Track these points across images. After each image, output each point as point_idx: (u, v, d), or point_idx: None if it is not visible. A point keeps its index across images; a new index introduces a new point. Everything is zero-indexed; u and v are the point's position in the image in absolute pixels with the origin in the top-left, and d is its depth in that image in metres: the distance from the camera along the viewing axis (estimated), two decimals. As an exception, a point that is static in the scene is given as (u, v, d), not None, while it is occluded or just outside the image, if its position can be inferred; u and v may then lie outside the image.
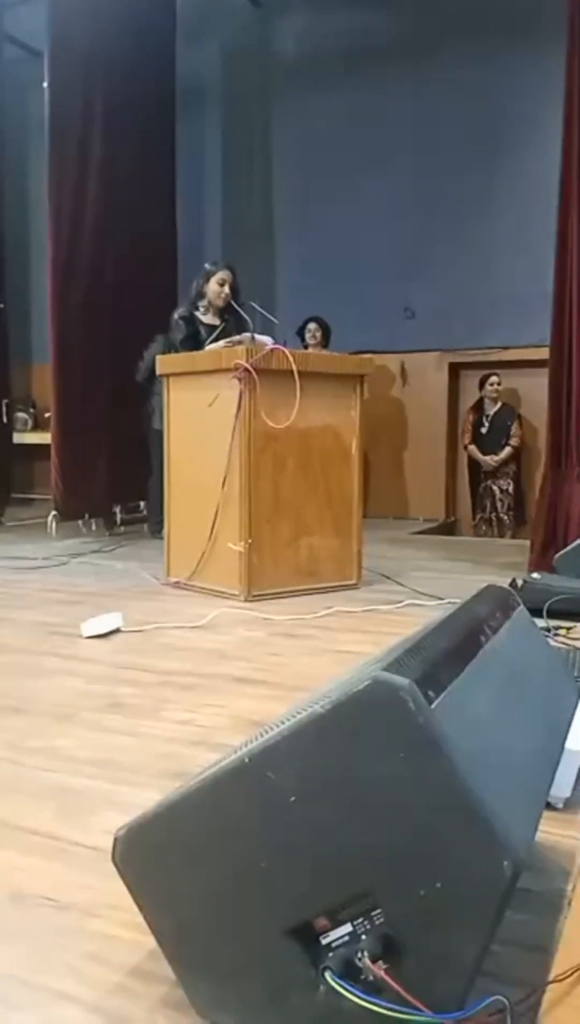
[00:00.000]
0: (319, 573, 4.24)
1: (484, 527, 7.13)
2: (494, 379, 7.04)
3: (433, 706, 0.94)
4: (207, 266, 5.10)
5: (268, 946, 0.99)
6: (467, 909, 0.90)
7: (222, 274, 4.98)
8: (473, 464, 7.30)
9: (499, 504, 7.09)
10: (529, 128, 6.56)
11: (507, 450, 7.05)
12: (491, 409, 7.15)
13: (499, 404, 7.13)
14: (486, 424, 7.16)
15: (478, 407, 7.23)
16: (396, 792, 0.92)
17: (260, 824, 0.98)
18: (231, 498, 4.05)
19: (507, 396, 7.17)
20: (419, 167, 7.24)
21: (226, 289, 4.95)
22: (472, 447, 7.20)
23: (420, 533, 6.91)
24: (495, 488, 7.10)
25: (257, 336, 4.28)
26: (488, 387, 7.08)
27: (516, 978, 1.12)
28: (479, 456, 7.14)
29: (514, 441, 7.04)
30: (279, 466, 4.10)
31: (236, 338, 4.49)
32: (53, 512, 6.18)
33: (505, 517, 7.06)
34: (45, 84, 6.03)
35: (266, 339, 4.19)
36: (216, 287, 4.96)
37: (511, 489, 7.09)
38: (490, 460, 7.08)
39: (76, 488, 6.25)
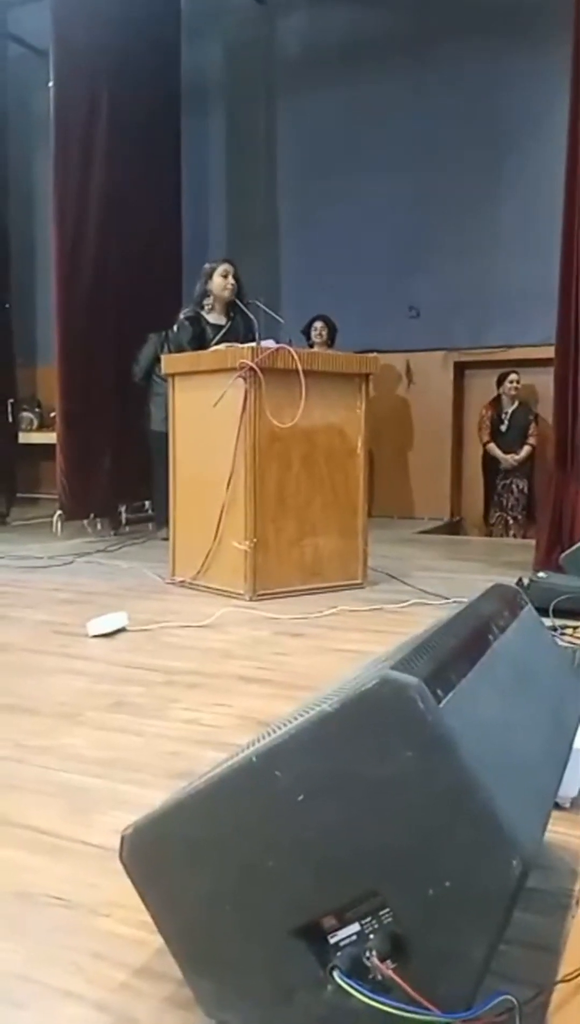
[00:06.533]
0: (324, 572, 4.24)
1: (502, 525, 7.10)
2: (513, 377, 6.98)
3: (442, 705, 0.93)
4: (207, 265, 5.09)
5: (275, 945, 0.99)
6: (476, 908, 0.89)
7: (224, 267, 4.96)
8: (488, 462, 7.24)
9: (516, 503, 7.07)
10: (533, 124, 6.54)
11: (527, 448, 7.02)
12: (509, 407, 7.10)
13: (517, 403, 7.09)
14: (505, 422, 7.11)
15: (495, 404, 7.19)
16: (404, 790, 0.91)
17: (267, 823, 0.98)
18: (236, 497, 4.04)
19: (525, 393, 7.12)
20: (423, 164, 7.23)
21: (231, 280, 4.93)
22: (491, 444, 7.15)
23: (425, 532, 6.90)
24: (514, 486, 7.07)
25: (262, 342, 4.25)
26: (507, 384, 7.01)
27: (524, 978, 1.11)
28: (499, 454, 7.09)
29: (532, 440, 7.01)
30: (284, 465, 4.10)
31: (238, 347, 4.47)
32: (58, 512, 6.19)
33: (520, 516, 7.04)
34: (50, 83, 6.03)
35: (269, 343, 4.17)
36: (221, 280, 4.93)
37: (526, 488, 7.06)
38: (511, 459, 7.04)
39: (81, 488, 6.25)
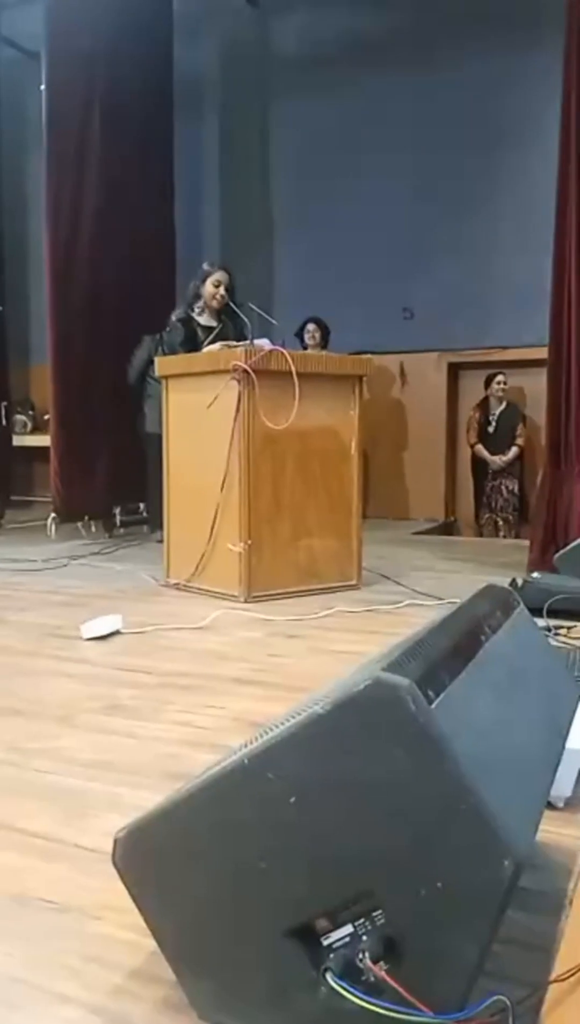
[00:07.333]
0: (319, 574, 4.24)
1: (491, 526, 7.12)
2: (500, 378, 7.01)
3: (433, 706, 0.93)
4: (205, 266, 5.09)
5: (269, 947, 0.99)
6: (468, 908, 0.89)
7: (217, 275, 4.98)
8: (477, 463, 7.26)
9: (506, 504, 7.09)
10: (530, 126, 6.54)
11: (514, 450, 7.03)
12: (497, 408, 7.12)
13: (504, 404, 7.11)
14: (493, 423, 7.13)
15: (483, 406, 7.21)
16: (396, 792, 0.91)
17: (260, 825, 0.98)
18: (231, 499, 4.04)
19: (513, 395, 7.15)
20: (418, 166, 7.24)
21: (221, 291, 4.94)
22: (479, 446, 7.17)
23: (420, 533, 6.90)
24: (503, 487, 7.09)
25: (255, 340, 4.26)
26: (495, 386, 7.03)
27: (517, 978, 1.11)
28: (487, 455, 7.11)
29: (520, 441, 7.03)
30: (279, 467, 4.10)
31: (233, 344, 4.47)
32: (52, 514, 6.18)
33: (510, 517, 7.06)
34: (42, 86, 6.03)
35: (264, 342, 4.18)
36: (211, 289, 4.95)
37: (516, 489, 7.08)
38: (498, 460, 7.06)
39: (75, 490, 6.25)
